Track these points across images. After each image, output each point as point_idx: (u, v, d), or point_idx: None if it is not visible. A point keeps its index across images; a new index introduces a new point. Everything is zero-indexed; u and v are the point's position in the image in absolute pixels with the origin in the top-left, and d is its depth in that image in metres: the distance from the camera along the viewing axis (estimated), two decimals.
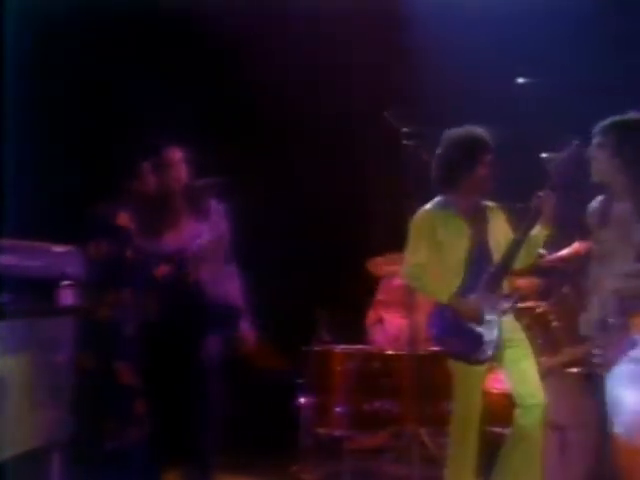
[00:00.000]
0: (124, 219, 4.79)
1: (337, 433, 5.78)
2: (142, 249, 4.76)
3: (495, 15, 6.23)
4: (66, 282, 4.78)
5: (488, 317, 4.62)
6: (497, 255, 4.64)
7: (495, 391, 5.31)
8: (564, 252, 5.56)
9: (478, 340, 4.60)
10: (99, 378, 4.69)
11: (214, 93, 6.39)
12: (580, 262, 5.46)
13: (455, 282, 4.62)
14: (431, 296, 4.76)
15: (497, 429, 5.12)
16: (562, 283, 5.63)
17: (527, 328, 5.29)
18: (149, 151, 4.88)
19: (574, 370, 5.52)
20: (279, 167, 6.50)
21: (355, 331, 6.16)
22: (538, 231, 4.61)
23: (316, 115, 6.45)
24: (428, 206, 4.72)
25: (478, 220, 4.72)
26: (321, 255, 6.47)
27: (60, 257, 4.77)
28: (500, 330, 4.60)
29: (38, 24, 5.97)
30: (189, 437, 4.75)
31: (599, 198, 3.93)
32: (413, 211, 5.02)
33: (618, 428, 3.74)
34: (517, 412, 4.56)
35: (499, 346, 4.59)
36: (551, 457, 5.16)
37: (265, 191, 6.20)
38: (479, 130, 4.62)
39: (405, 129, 5.30)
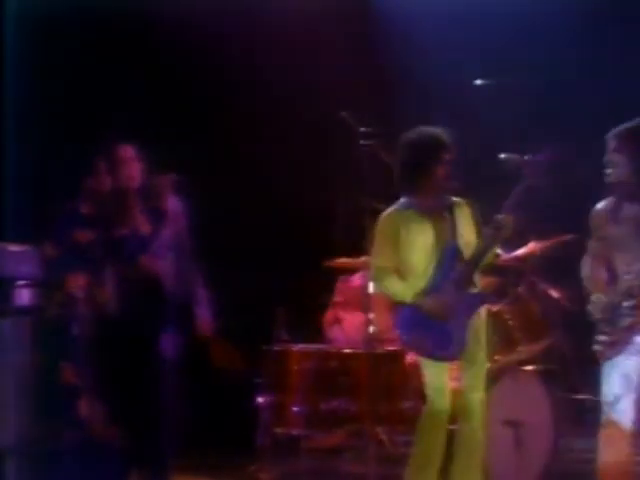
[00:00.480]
0: (87, 208, 4.87)
1: (295, 432, 5.77)
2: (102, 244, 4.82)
3: (456, 16, 6.32)
4: (22, 282, 4.83)
5: (457, 314, 4.62)
6: (466, 252, 4.68)
7: (451, 389, 5.27)
8: (519, 251, 5.63)
9: (445, 338, 4.61)
10: (43, 378, 4.77)
11: (174, 91, 6.43)
12: (535, 261, 5.67)
13: (420, 282, 4.64)
14: (395, 297, 4.76)
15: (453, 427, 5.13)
16: (517, 282, 5.70)
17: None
18: (104, 149, 4.91)
19: (530, 368, 5.59)
20: (239, 166, 6.51)
21: (313, 330, 6.18)
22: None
23: (276, 114, 6.47)
24: (391, 209, 4.74)
25: (444, 219, 4.73)
26: (280, 254, 6.50)
27: (15, 257, 4.80)
28: (468, 328, 4.62)
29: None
30: (146, 438, 4.75)
31: (606, 200, 4.15)
32: (372, 210, 5.02)
33: (616, 415, 3.90)
34: (458, 418, 4.65)
35: (466, 344, 4.61)
36: (506, 454, 5.26)
37: (224, 190, 6.21)
38: (436, 130, 4.65)
39: (363, 129, 5.33)
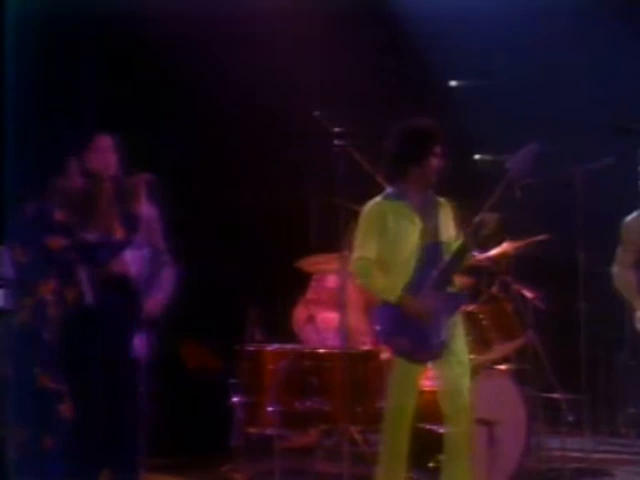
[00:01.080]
0: (60, 214, 4.87)
1: (268, 432, 5.74)
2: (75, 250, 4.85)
3: (429, 18, 6.39)
4: None
5: (436, 314, 4.60)
6: (447, 252, 4.67)
7: (427, 389, 5.37)
8: (493, 252, 5.70)
9: (425, 339, 4.61)
10: (18, 384, 4.82)
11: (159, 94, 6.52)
12: (509, 261, 5.77)
13: (404, 278, 4.60)
14: (379, 294, 4.72)
15: (429, 426, 5.21)
16: (491, 282, 5.78)
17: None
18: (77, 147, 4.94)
19: (503, 367, 5.71)
20: (212, 166, 6.57)
21: (287, 330, 6.23)
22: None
23: (250, 115, 6.54)
24: (380, 198, 4.71)
25: (430, 215, 4.73)
26: (253, 255, 6.54)
27: None
28: (447, 328, 4.61)
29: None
30: (117, 438, 4.78)
31: (637, 211, 4.29)
32: (344, 210, 5.05)
33: None
34: (445, 420, 4.64)
35: (445, 346, 4.62)
36: (479, 452, 5.25)
37: (199, 190, 6.28)
38: (430, 122, 4.68)
39: (336, 129, 5.32)
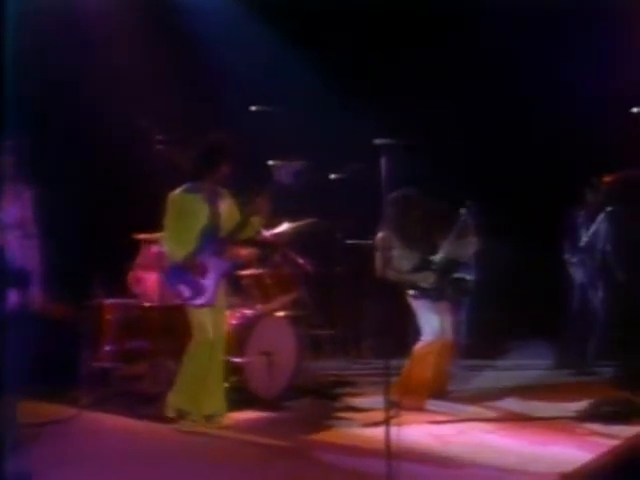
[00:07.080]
0: None
1: (107, 365, 6.55)
2: None
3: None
4: None
5: (212, 274, 5.49)
6: (225, 229, 5.55)
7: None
8: (276, 230, 6.65)
9: (200, 290, 5.53)
10: None
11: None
12: (287, 237, 6.75)
13: (191, 246, 5.48)
14: (171, 255, 5.57)
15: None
16: (274, 252, 6.68)
17: (249, 286, 6.43)
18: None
19: (282, 313, 6.69)
20: (80, 168, 7.42)
21: (124, 288, 6.90)
22: (256, 219, 5.74)
23: (99, 127, 7.50)
24: (181, 190, 5.56)
25: (215, 202, 5.58)
26: (100, 233, 7.29)
27: None
28: (219, 284, 5.52)
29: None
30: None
31: None
32: (165, 196, 5.78)
33: None
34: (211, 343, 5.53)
35: (216, 295, 5.54)
36: (262, 374, 6.27)
37: (68, 186, 6.92)
38: (222, 138, 5.58)
39: (159, 137, 6.09)
